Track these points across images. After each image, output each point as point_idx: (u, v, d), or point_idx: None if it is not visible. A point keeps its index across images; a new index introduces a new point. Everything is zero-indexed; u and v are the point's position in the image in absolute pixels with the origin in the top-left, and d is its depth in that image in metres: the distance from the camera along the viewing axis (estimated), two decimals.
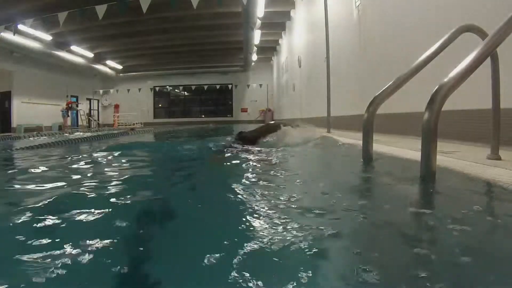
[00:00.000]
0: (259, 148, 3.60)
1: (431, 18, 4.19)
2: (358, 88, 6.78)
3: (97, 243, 1.08)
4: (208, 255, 0.95)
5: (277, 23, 16.87)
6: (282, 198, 1.55)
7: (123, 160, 3.36)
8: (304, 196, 1.68)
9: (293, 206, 1.43)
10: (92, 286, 0.89)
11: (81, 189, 1.93)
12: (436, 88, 1.60)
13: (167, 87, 27.24)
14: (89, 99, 24.26)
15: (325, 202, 1.55)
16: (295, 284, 0.80)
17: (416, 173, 1.71)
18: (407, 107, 4.59)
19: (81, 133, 10.68)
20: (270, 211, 1.36)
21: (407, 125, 4.67)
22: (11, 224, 1.33)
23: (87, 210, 1.42)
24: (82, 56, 18.74)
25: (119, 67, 23.30)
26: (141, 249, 1.09)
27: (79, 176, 2.43)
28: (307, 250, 0.98)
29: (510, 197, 1.39)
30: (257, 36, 15.99)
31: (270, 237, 1.08)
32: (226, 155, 3.39)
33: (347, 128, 7.06)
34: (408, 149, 2.87)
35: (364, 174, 2.26)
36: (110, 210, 1.50)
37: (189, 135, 9.63)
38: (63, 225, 1.31)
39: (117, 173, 2.64)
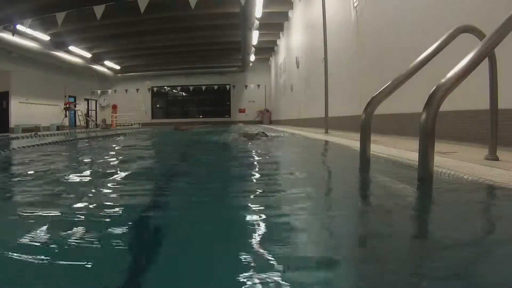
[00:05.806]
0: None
1: (429, 18, 4.19)
2: (357, 88, 6.78)
3: None
4: None
5: (275, 24, 16.86)
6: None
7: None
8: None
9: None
10: None
11: None
12: (433, 88, 1.60)
13: (165, 87, 27.17)
14: (87, 100, 24.18)
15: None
16: None
17: (413, 174, 1.71)
18: (405, 108, 4.59)
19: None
20: None
21: (405, 125, 4.67)
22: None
23: None
24: (80, 56, 18.67)
25: (117, 67, 23.23)
26: None
27: None
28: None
29: (508, 197, 1.39)
30: (255, 37, 15.98)
31: None
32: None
33: (346, 129, 7.06)
34: (406, 150, 2.87)
35: (362, 174, 2.26)
36: None
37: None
38: None
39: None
